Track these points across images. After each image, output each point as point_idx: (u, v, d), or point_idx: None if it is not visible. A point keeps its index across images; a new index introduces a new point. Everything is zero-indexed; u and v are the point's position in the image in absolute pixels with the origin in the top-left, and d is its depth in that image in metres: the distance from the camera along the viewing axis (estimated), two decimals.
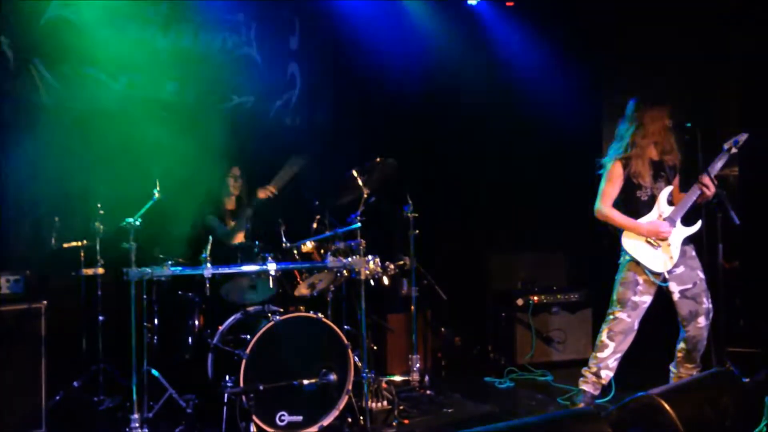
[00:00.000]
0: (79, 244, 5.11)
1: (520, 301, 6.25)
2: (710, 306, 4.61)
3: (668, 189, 4.65)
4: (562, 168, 6.63)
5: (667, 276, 4.58)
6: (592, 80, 6.89)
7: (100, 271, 5.08)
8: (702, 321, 4.59)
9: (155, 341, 5.03)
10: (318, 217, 5.41)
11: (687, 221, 4.61)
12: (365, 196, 5.04)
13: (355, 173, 5.03)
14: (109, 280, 5.12)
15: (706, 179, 4.46)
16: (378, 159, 5.05)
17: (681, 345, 4.72)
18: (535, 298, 6.28)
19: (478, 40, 7.18)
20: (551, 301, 6.34)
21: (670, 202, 4.64)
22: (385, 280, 5.30)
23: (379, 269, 4.94)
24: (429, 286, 5.89)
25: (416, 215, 5.57)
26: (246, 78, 6.60)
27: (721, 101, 6.36)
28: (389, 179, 5.20)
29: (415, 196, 5.61)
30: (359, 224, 4.90)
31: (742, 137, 4.52)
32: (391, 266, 5.26)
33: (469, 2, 7.13)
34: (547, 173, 6.84)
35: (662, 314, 4.78)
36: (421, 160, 6.72)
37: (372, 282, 5.06)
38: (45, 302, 4.43)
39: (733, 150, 4.53)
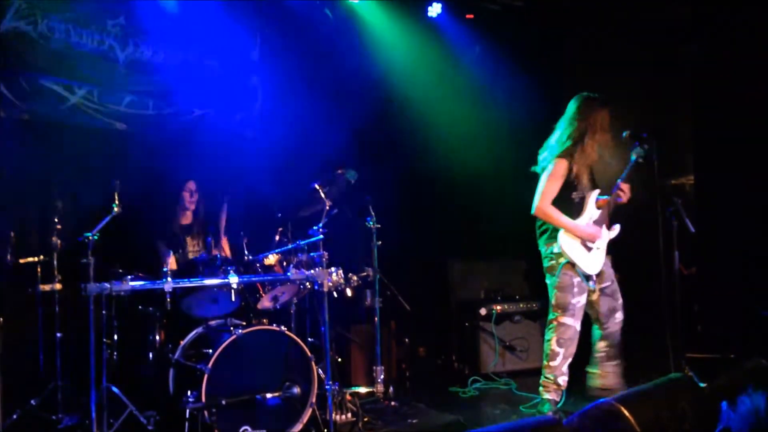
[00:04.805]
0: (36, 259, 5.01)
1: (483, 311, 6.29)
2: (622, 301, 4.79)
3: (596, 192, 4.71)
4: (521, 176, 6.68)
5: (595, 278, 4.65)
6: (550, 92, 6.98)
7: (58, 286, 4.97)
8: (619, 316, 4.78)
9: (115, 357, 4.95)
10: (280, 229, 5.39)
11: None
12: (327, 208, 5.03)
13: (317, 186, 5.03)
14: (67, 296, 5.03)
15: (623, 185, 4.64)
16: (339, 170, 5.05)
17: (601, 344, 4.82)
18: (498, 307, 6.33)
19: (439, 51, 7.24)
20: (513, 310, 6.39)
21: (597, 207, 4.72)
22: (348, 292, 5.30)
23: (342, 281, 4.95)
24: (392, 297, 5.90)
25: (379, 226, 5.57)
26: (207, 90, 6.55)
27: (672, 112, 6.48)
28: (351, 190, 5.20)
29: (377, 207, 5.62)
30: (322, 236, 4.90)
31: (644, 146, 4.61)
32: (354, 278, 5.27)
33: (429, 14, 7.19)
34: (507, 181, 6.90)
35: None
36: (383, 171, 6.73)
37: (335, 294, 5.06)
38: (0, 319, 4.34)
39: (640, 161, 4.62)
